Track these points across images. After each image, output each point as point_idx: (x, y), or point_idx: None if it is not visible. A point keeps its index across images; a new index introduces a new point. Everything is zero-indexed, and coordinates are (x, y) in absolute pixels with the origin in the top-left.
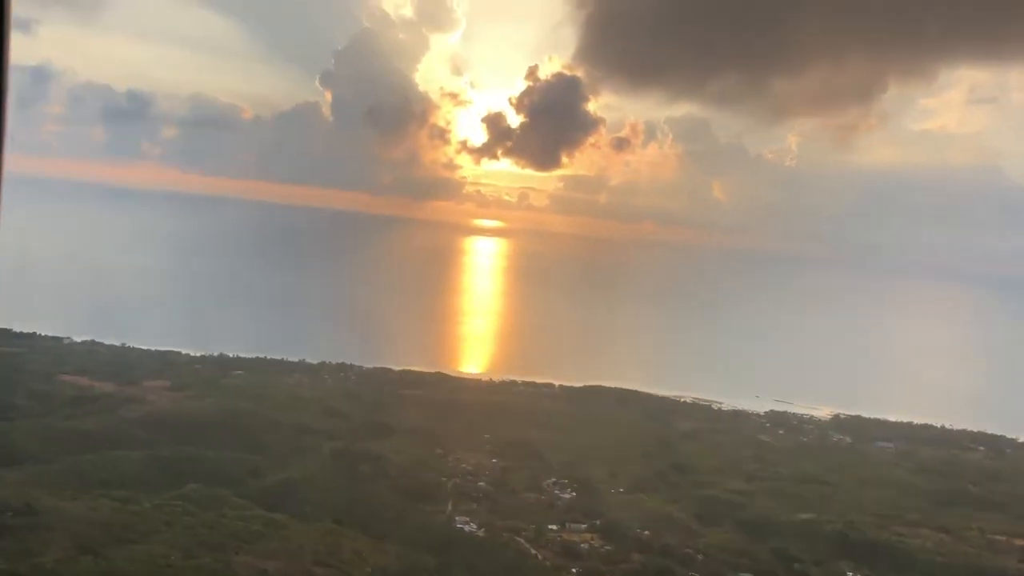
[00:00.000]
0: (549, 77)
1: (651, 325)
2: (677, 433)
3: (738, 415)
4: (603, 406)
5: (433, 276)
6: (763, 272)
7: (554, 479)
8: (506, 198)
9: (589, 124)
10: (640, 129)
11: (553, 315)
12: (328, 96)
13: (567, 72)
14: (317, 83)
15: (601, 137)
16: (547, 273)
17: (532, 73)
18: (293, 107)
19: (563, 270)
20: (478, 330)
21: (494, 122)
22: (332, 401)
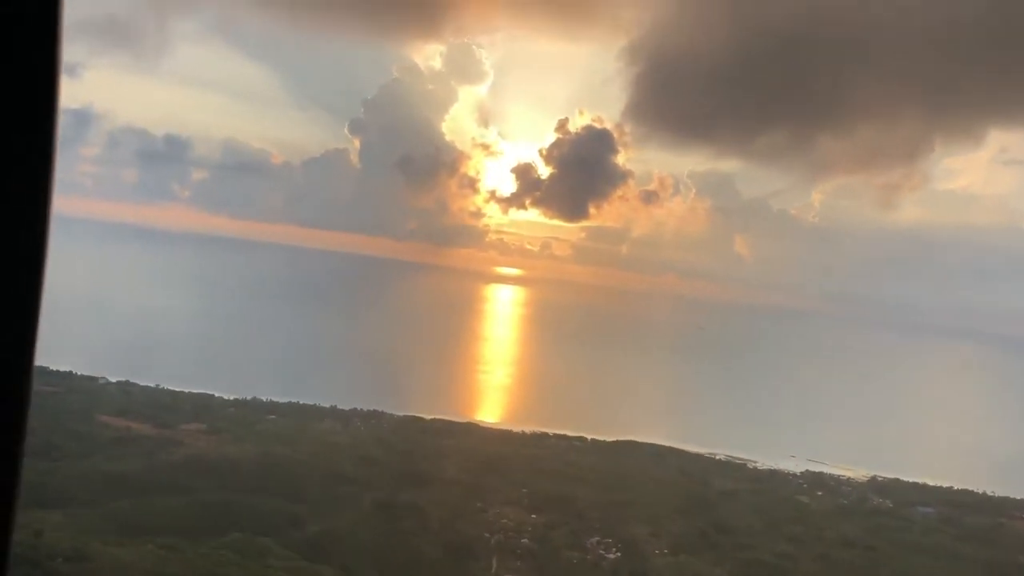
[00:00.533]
0: (579, 130)
1: (677, 379)
2: (715, 492)
3: (774, 475)
4: (637, 462)
5: (457, 323)
6: (786, 328)
7: (596, 538)
8: (528, 247)
9: (618, 177)
10: (668, 183)
11: (578, 365)
12: (356, 143)
13: (597, 125)
14: (346, 131)
15: (629, 190)
16: (570, 323)
17: (562, 126)
18: (322, 153)
19: (586, 320)
20: (505, 379)
21: (523, 173)
22: (366, 449)
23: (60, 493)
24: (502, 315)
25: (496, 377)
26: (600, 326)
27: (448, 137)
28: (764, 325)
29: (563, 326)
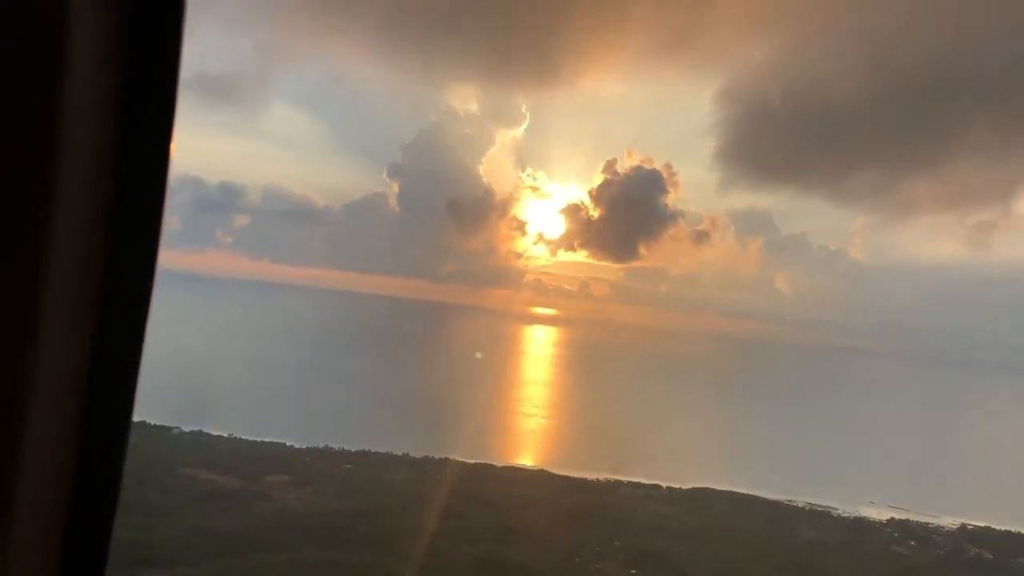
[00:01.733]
0: (628, 171)
1: (736, 421)
2: (804, 543)
3: (860, 523)
4: (719, 511)
5: (504, 365)
6: (838, 366)
7: None
8: (567, 287)
9: (668, 217)
10: (721, 222)
11: (633, 408)
12: (395, 187)
13: (646, 166)
14: (384, 175)
15: (680, 230)
16: (617, 364)
17: (610, 167)
18: (361, 197)
19: (633, 361)
20: (561, 423)
21: (571, 214)
22: (448, 500)
23: (162, 551)
24: (546, 356)
25: (552, 421)
26: (648, 367)
27: (486, 180)
28: (814, 364)
29: (611, 367)
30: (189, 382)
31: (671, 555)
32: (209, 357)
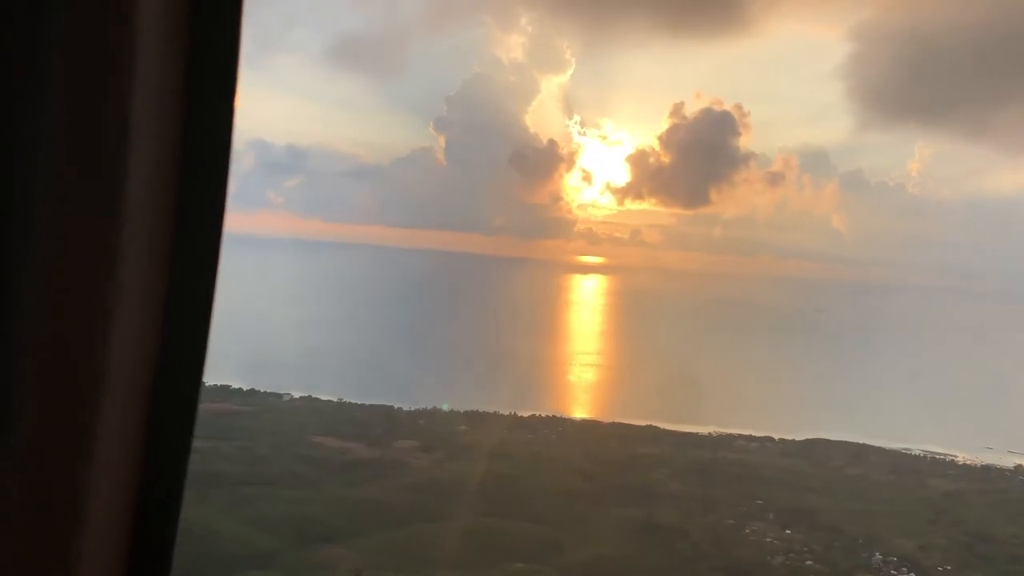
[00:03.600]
0: (697, 113)
1: (820, 367)
2: (938, 494)
3: (989, 471)
4: (843, 463)
5: (570, 318)
6: (907, 305)
7: (878, 555)
8: (617, 235)
9: (739, 160)
10: (794, 163)
11: (714, 357)
12: (441, 141)
13: (716, 108)
14: (431, 128)
15: (752, 173)
16: (686, 312)
17: (678, 111)
18: (409, 153)
19: (701, 308)
20: (645, 376)
21: (637, 161)
22: (573, 461)
23: (324, 526)
24: (610, 307)
25: (636, 374)
26: (716, 314)
27: (532, 130)
28: (882, 304)
29: (680, 316)
30: (275, 346)
31: (816, 512)
32: (286, 320)
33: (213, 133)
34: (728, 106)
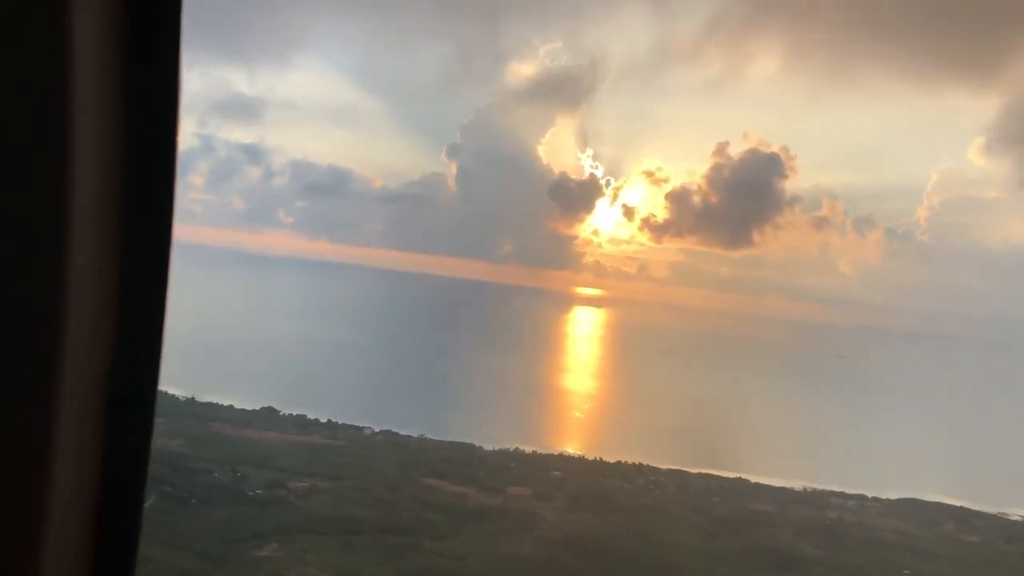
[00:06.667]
0: (743, 154)
1: (864, 417)
2: None
3: None
4: (952, 528)
5: (590, 354)
6: (932, 353)
7: None
8: (624, 269)
9: (784, 203)
10: (840, 208)
11: (756, 403)
12: (453, 168)
13: (763, 149)
14: (443, 155)
15: (796, 216)
16: (711, 352)
17: (722, 150)
18: (420, 177)
19: (725, 349)
20: (689, 419)
21: (678, 199)
22: (685, 517)
23: None
24: (625, 344)
25: (699, 419)
26: (743, 356)
27: (545, 161)
28: (904, 351)
29: (706, 355)
30: (318, 373)
31: None
32: (318, 344)
33: (158, 140)
34: (775, 147)
